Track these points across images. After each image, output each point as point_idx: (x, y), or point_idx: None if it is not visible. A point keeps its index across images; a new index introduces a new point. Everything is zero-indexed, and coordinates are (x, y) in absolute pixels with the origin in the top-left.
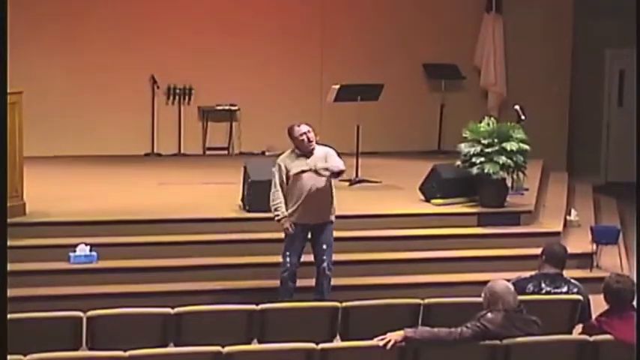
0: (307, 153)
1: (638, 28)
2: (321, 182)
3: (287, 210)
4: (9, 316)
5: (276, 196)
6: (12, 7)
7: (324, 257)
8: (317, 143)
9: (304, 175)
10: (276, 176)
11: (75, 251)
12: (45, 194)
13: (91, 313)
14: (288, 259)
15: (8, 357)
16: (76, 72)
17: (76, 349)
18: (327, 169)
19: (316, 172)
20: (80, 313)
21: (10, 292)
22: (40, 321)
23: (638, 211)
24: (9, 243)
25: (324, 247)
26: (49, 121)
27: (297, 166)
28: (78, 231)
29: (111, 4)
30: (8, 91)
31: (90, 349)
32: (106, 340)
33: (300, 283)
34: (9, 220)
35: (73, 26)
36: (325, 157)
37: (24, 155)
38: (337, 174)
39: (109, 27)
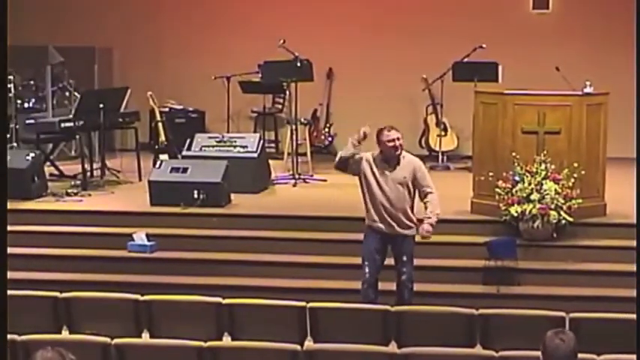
0: (392, 162)
1: (637, 28)
2: (397, 194)
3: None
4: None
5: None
6: None
7: (404, 269)
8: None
9: (380, 184)
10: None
11: None
12: (626, 195)
13: None
14: (366, 270)
15: None
16: None
17: None
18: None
19: (400, 183)
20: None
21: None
22: None
23: (637, 211)
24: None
25: (404, 258)
26: (630, 122)
27: (377, 172)
28: None
29: None
30: (601, 91)
31: None
32: None
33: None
34: (588, 220)
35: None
36: (413, 172)
37: (607, 156)
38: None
39: None
